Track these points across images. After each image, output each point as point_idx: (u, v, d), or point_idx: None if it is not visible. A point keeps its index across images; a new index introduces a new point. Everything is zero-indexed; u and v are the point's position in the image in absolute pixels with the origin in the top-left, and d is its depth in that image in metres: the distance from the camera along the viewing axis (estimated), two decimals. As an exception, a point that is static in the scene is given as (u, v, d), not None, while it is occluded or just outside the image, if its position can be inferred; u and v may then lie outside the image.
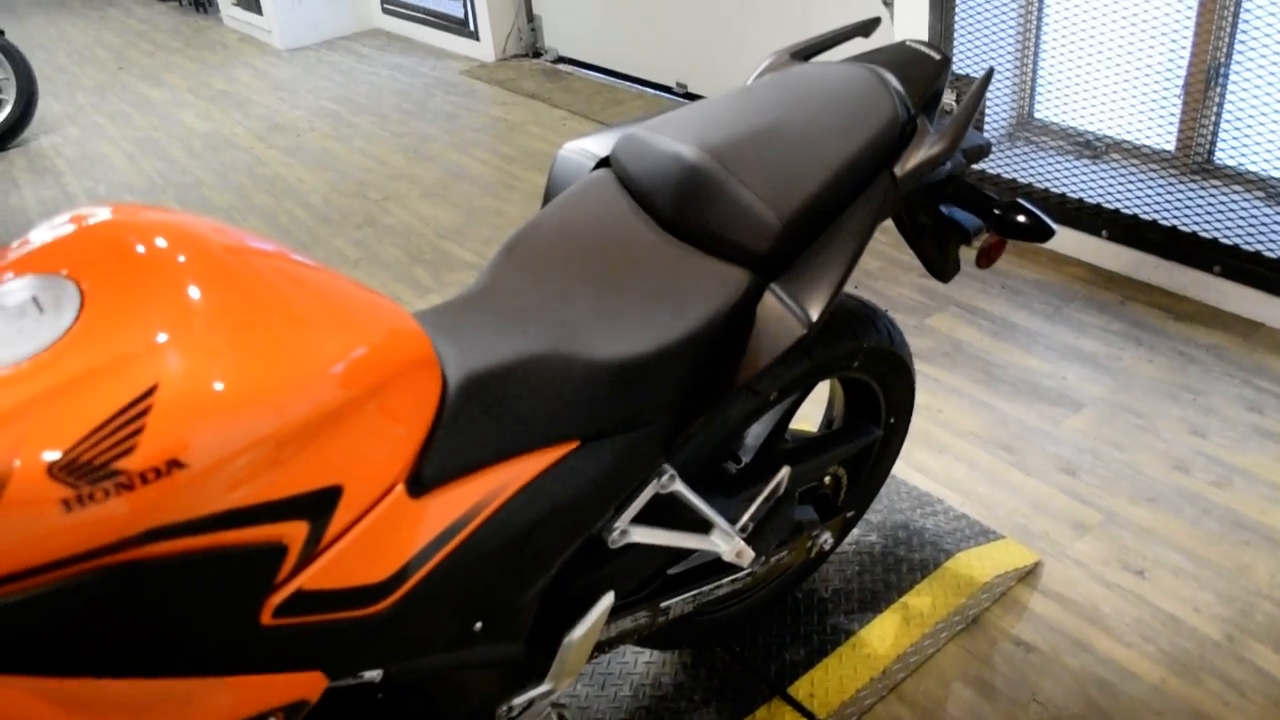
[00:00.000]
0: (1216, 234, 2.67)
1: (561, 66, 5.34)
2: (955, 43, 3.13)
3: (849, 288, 3.04)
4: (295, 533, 0.91)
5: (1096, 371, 2.52)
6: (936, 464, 2.29)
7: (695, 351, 1.19)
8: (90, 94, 6.06)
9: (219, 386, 0.84)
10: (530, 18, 5.44)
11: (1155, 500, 2.13)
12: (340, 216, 3.96)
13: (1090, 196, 2.95)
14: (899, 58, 1.50)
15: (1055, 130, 3.20)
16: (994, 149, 3.26)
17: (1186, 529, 2.05)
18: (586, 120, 4.61)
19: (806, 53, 1.61)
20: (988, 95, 3.18)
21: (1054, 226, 1.46)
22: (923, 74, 1.46)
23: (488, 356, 1.08)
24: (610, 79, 5.06)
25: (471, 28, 5.60)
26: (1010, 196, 1.61)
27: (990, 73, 1.43)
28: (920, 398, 2.51)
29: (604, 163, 1.42)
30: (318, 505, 0.91)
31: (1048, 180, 3.05)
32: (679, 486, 1.29)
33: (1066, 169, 3.05)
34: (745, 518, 1.44)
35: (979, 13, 3.09)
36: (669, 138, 1.31)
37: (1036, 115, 3.28)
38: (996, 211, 1.46)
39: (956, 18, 3.10)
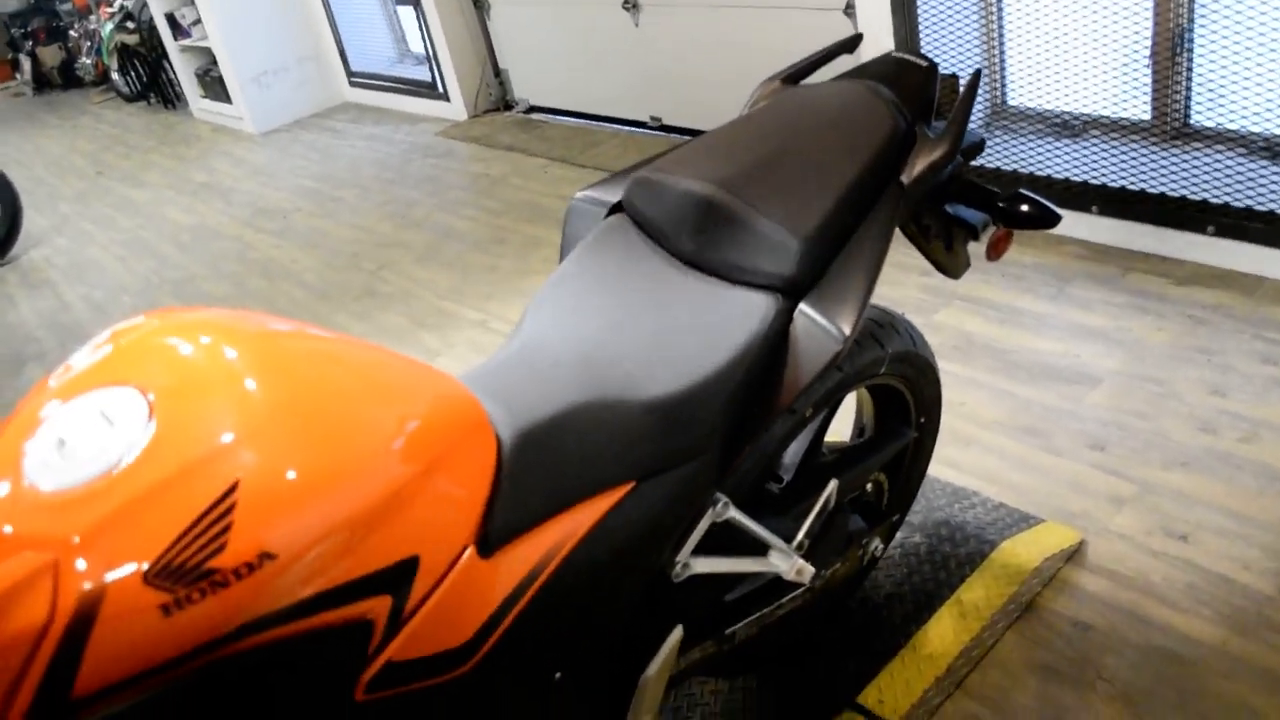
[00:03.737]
0: (1205, 195, 2.70)
1: (534, 116, 5.40)
2: (921, 42, 3.19)
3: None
4: (379, 607, 0.92)
5: (1108, 345, 2.55)
6: (967, 458, 2.30)
7: (735, 380, 1.21)
8: (73, 202, 6.11)
9: (293, 475, 0.86)
10: (497, 72, 5.51)
11: (1188, 464, 2.15)
12: (338, 291, 3.99)
13: (1076, 175, 2.98)
14: (887, 70, 1.54)
15: (1031, 115, 3.25)
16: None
17: (1223, 488, 2.07)
18: (567, 165, 4.66)
19: (795, 76, 1.65)
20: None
21: (1059, 212, 1.49)
22: (913, 82, 1.50)
23: (535, 412, 1.11)
24: (584, 121, 5.12)
25: (440, 89, 5.66)
26: (1011, 188, 1.65)
27: (978, 74, 1.47)
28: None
29: (617, 208, 1.45)
30: (397, 578, 0.93)
31: (1031, 164, 3.09)
32: (734, 513, 1.31)
33: (1048, 151, 3.09)
34: (801, 535, 1.46)
35: (940, 10, 3.15)
36: (679, 176, 1.34)
37: (1010, 102, 3.32)
38: (1001, 204, 1.49)
39: (919, 17, 3.15)
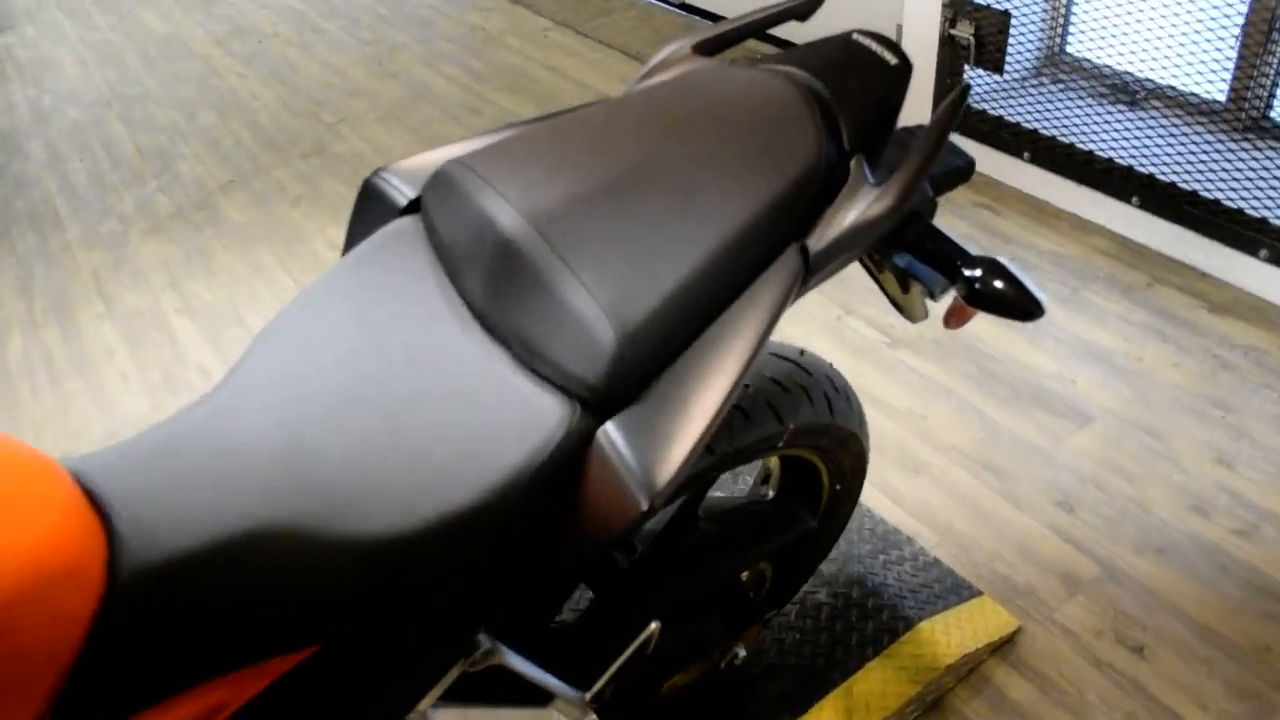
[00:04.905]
0: (1267, 212, 2.25)
1: (552, -34, 4.84)
2: (975, -37, 2.67)
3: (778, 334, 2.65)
4: None
5: (1111, 375, 2.15)
6: (911, 488, 1.95)
7: (495, 517, 0.84)
8: (52, -14, 5.63)
9: None
10: (518, -90, 4.92)
11: (1164, 551, 1.79)
12: (288, 142, 3.58)
13: (1122, 155, 2.52)
14: (838, 59, 1.10)
15: (1089, 70, 2.75)
16: (1015, 88, 2.82)
17: (1199, 592, 1.71)
18: (569, 32, 4.16)
19: (717, 43, 1.21)
20: (1013, 27, 2.73)
21: (1043, 304, 1.08)
22: (869, 86, 1.07)
23: (181, 533, 0.75)
24: (603, -17, 4.58)
25: (456, -80, 5.08)
26: (993, 252, 1.21)
27: (967, 88, 1.04)
28: (902, 398, 2.16)
29: (416, 204, 1.05)
30: None
31: (1074, 132, 2.62)
32: (504, 658, 0.97)
33: (1098, 118, 2.61)
34: (599, 685, 1.11)
35: (1005, -72, 2.62)
36: (490, 184, 0.94)
37: (1069, 50, 2.82)
38: (967, 272, 1.08)
39: (978, -67, 2.63)
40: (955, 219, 2.70)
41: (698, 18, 4.07)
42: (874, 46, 1.11)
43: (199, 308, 2.78)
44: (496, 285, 0.91)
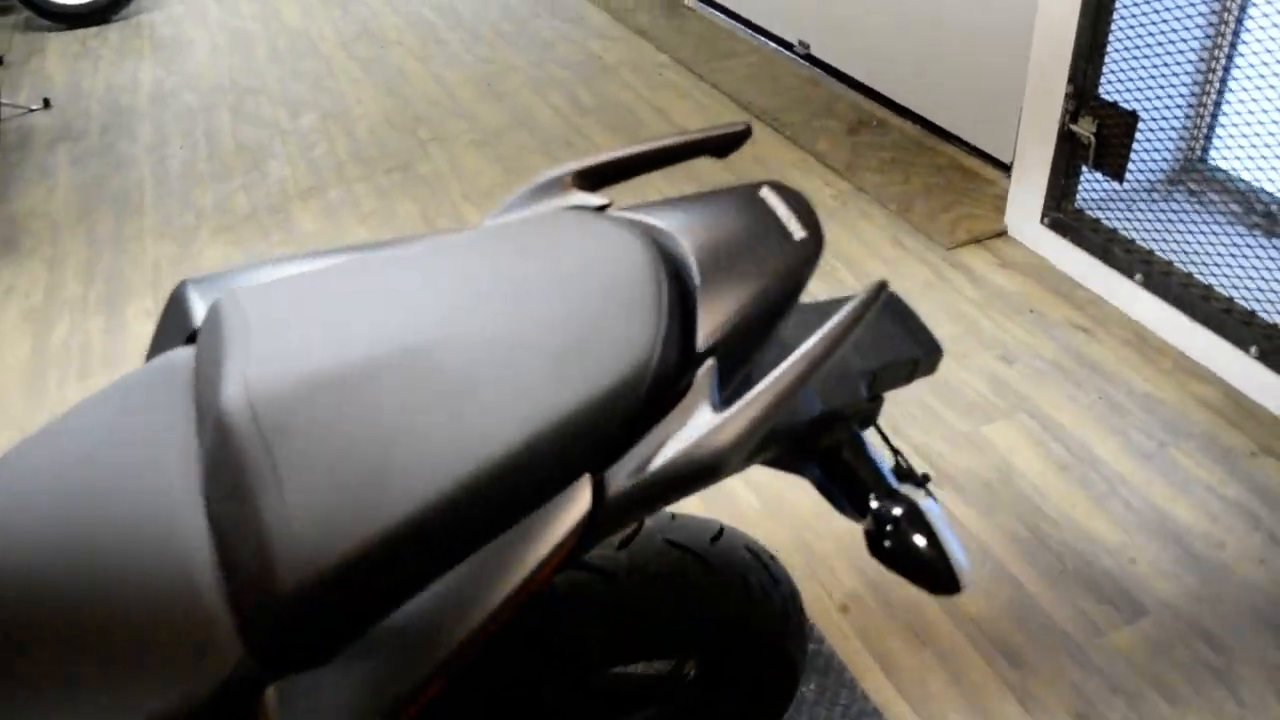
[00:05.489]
0: None
1: (689, 0, 4.67)
2: (1109, 51, 2.35)
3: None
4: None
5: (1181, 560, 1.83)
6: (910, 661, 1.68)
7: None
8: (214, -31, 5.80)
9: None
10: (662, -61, 4.77)
11: (1198, 803, 1.47)
12: (378, 155, 3.52)
13: (1247, 295, 2.17)
14: (730, 223, 0.88)
15: (1229, 186, 2.40)
16: (1137, 197, 2.49)
17: None
18: (684, 73, 3.97)
19: (603, 175, 1.00)
20: (1142, 130, 2.41)
21: (961, 580, 0.83)
22: (759, 265, 0.84)
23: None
24: (734, 24, 4.38)
25: (600, -57, 4.98)
26: (916, 496, 0.92)
27: (883, 286, 0.80)
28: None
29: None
30: None
31: (1196, 259, 2.28)
32: None
33: (1227, 246, 2.27)
34: None
35: (1148, 13, 2.30)
36: (245, 338, 0.76)
37: (1209, 160, 2.48)
38: (876, 510, 0.84)
39: (1115, 17, 2.32)
40: (1043, 336, 2.39)
41: (820, 71, 3.83)
42: (781, 211, 0.88)
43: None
44: (214, 466, 0.73)
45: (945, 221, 2.85)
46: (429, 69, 4.21)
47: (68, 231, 3.18)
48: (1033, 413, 2.19)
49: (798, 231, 0.87)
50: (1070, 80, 2.38)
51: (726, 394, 0.79)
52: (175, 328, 0.88)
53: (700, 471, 0.74)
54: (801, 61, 3.93)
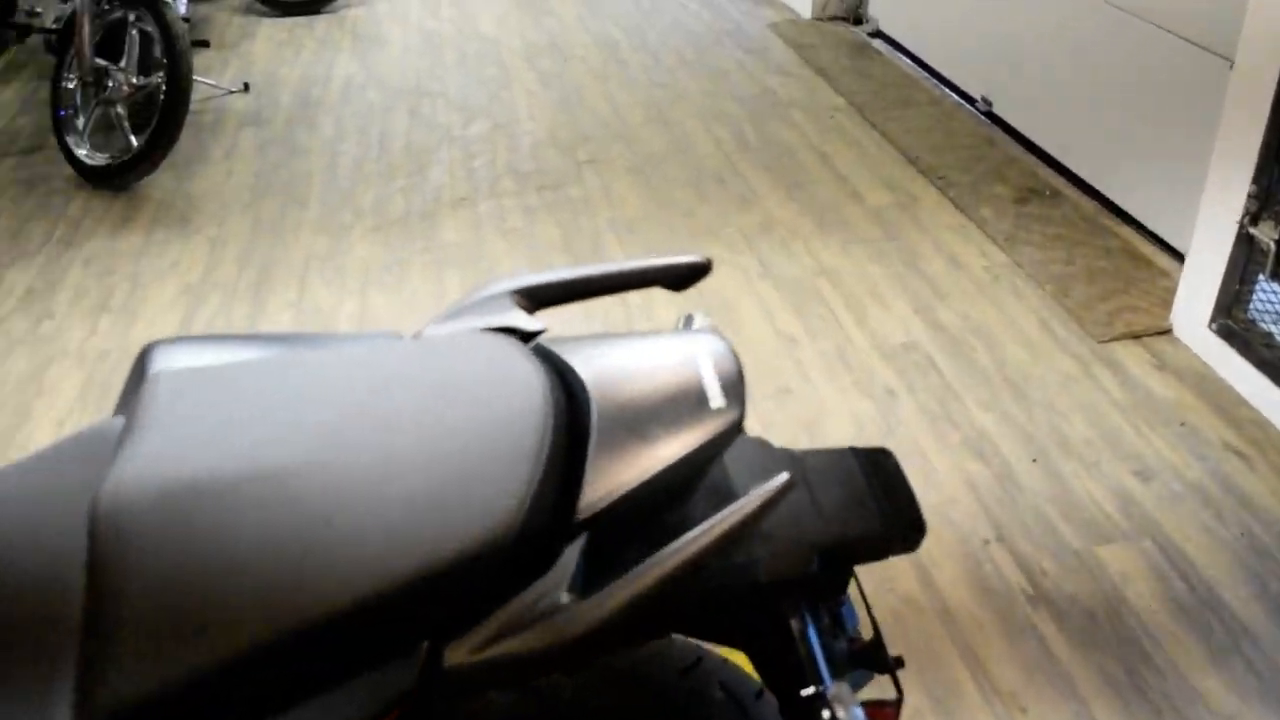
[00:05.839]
0: None
1: (876, 43, 4.53)
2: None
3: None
4: None
5: (1301, 742, 1.61)
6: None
7: None
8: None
9: None
10: (858, -22, 4.65)
11: None
12: (534, 172, 3.55)
13: None
14: (651, 379, 0.79)
15: None
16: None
17: None
18: (857, 119, 3.84)
19: (544, 296, 0.93)
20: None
21: None
22: (665, 435, 0.75)
23: None
24: (920, 72, 4.21)
25: (797, -25, 4.89)
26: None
27: (789, 485, 0.71)
28: (1012, 678, 1.73)
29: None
30: None
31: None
32: None
33: None
34: None
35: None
36: (144, 429, 0.75)
37: None
38: (805, 702, 0.74)
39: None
40: (1191, 455, 2.17)
41: (999, 130, 3.63)
42: (705, 372, 0.80)
43: (372, 320, 2.78)
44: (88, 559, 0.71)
45: (1103, 311, 2.64)
46: (604, 88, 4.23)
47: (236, 215, 3.35)
48: (1160, 540, 1.98)
49: (716, 399, 0.79)
50: (1254, 180, 2.15)
51: (601, 572, 0.71)
52: (134, 389, 0.88)
53: (550, 659, 0.67)
54: (981, 118, 3.74)
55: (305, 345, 0.87)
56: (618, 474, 0.74)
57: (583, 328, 2.64)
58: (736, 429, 0.78)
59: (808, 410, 2.38)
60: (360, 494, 0.71)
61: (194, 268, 3.07)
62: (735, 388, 0.80)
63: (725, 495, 0.80)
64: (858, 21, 4.72)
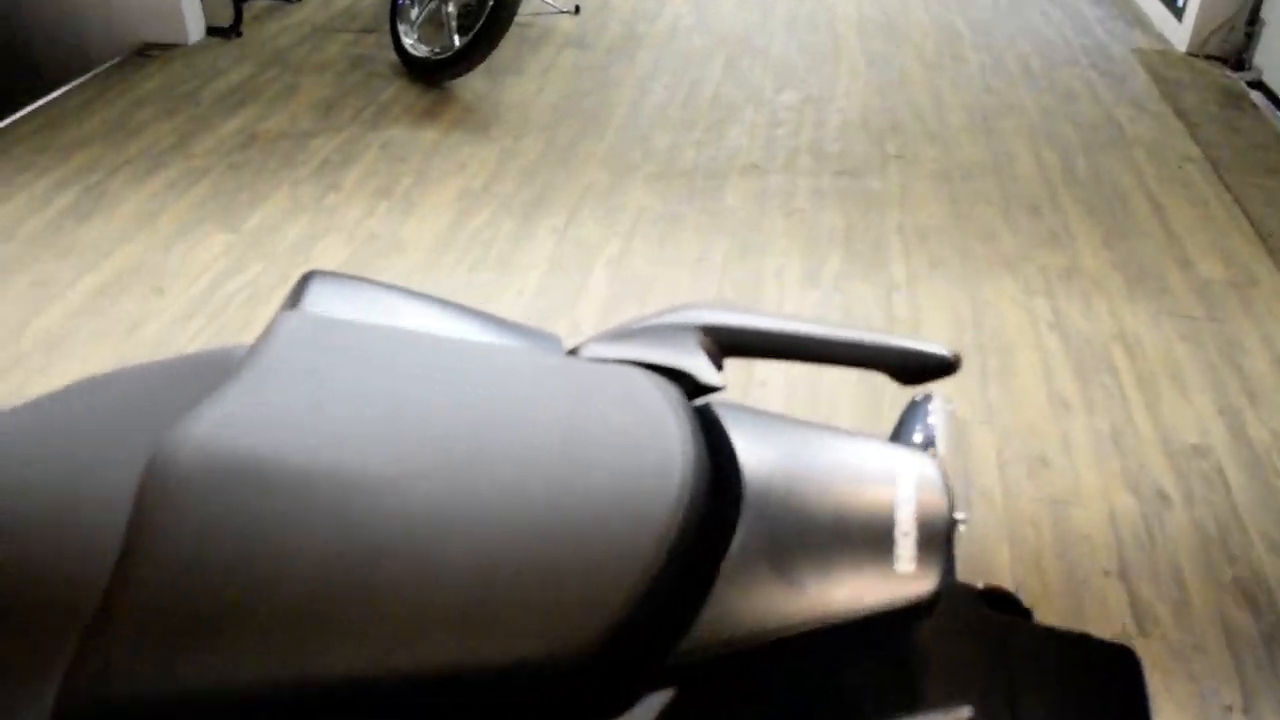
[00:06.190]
0: None
1: (1254, 94, 3.97)
2: None
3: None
4: None
5: None
6: None
7: None
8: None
9: None
10: (1253, 19, 4.08)
11: None
12: (835, 154, 3.36)
13: None
14: (831, 501, 0.60)
15: None
16: None
17: None
18: (1213, 174, 3.38)
19: (745, 341, 0.75)
20: None
21: None
22: (821, 589, 0.56)
23: None
24: (1301, 136, 3.66)
25: (1180, 2, 4.36)
26: None
27: None
28: None
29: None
30: None
31: None
32: None
33: None
34: None
35: None
36: (257, 375, 0.65)
37: None
38: None
39: None
40: None
41: (1384, 229, 3.09)
42: (901, 515, 0.60)
43: (627, 267, 2.72)
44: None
45: None
46: (930, 80, 3.95)
47: (533, 132, 3.37)
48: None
49: (904, 560, 0.59)
50: None
51: None
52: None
53: None
54: (1363, 208, 3.20)
55: (461, 322, 0.76)
56: (743, 615, 0.58)
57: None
58: (925, 608, 0.60)
59: (1059, 489, 2.10)
60: (435, 541, 0.59)
61: (479, 174, 3.11)
62: (935, 547, 0.61)
63: (892, 683, 0.62)
64: (1239, 66, 4.16)
